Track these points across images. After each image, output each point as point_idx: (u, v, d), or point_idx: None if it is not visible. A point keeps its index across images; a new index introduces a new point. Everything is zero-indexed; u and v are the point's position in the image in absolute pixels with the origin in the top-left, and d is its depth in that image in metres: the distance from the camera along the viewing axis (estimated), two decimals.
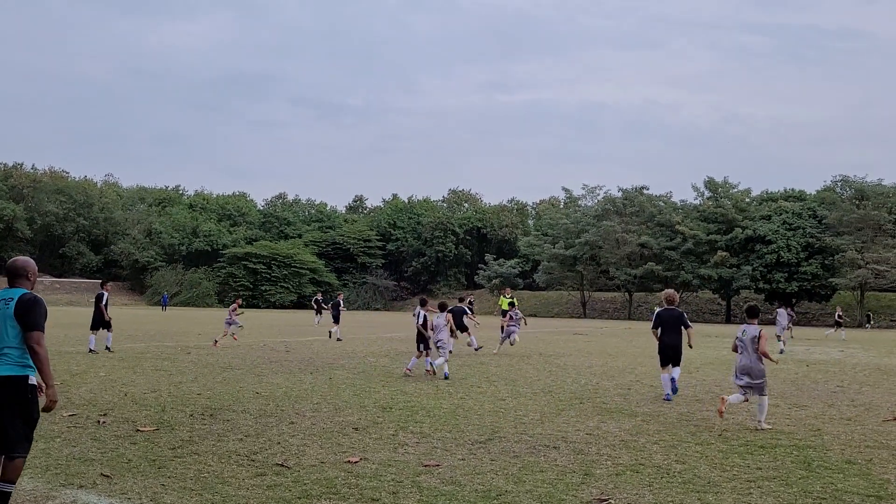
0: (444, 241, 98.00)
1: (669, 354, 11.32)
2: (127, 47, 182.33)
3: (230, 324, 21.93)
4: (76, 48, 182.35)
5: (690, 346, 11.76)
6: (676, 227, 72.98)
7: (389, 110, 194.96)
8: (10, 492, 4.88)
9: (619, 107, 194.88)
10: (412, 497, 5.54)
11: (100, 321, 17.53)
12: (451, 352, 14.48)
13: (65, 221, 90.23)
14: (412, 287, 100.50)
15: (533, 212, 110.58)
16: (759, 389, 8.87)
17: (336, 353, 18.80)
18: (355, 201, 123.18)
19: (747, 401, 9.14)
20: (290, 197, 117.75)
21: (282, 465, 6.41)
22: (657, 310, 11.84)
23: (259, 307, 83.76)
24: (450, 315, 14.36)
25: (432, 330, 14.19)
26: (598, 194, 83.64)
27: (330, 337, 25.11)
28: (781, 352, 23.20)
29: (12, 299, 4.98)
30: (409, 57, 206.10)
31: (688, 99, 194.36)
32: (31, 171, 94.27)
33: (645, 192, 79.37)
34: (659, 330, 11.42)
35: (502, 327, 21.32)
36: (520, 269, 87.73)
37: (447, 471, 6.37)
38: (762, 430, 8.64)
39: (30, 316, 4.92)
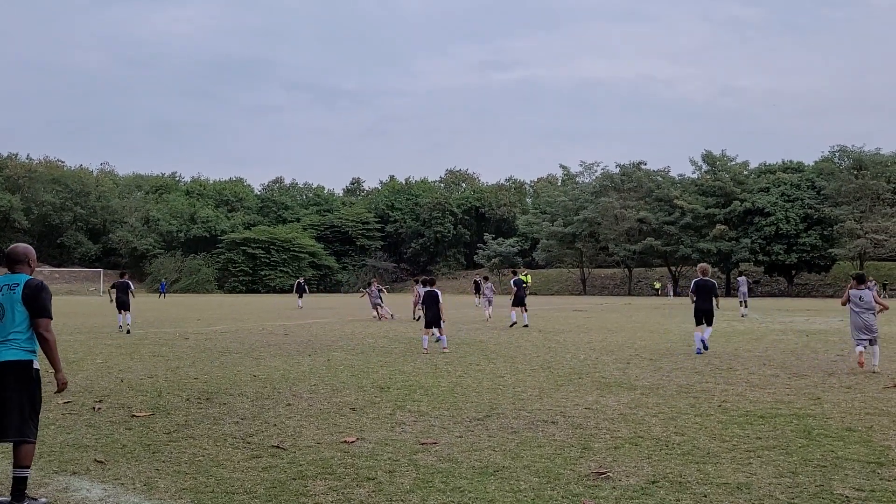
0: (443, 221, 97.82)
1: (703, 316, 14.16)
2: (118, 35, 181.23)
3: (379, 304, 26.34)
4: (66, 37, 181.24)
5: (717, 307, 14.68)
6: (675, 201, 72.80)
7: (384, 93, 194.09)
8: (27, 476, 4.90)
9: (614, 82, 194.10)
10: (409, 475, 5.49)
11: (126, 304, 20.29)
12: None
13: (62, 211, 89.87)
14: (412, 268, 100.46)
15: (531, 190, 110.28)
16: (875, 341, 11.33)
17: (334, 335, 18.77)
18: (353, 184, 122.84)
19: (864, 350, 11.33)
20: (288, 181, 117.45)
21: (278, 447, 6.36)
22: (696, 280, 14.70)
23: (259, 292, 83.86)
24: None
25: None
26: (596, 171, 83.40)
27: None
28: (744, 315, 27.01)
29: (18, 284, 5.00)
30: (403, 38, 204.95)
31: (682, 73, 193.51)
32: (27, 160, 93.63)
33: (643, 167, 79.11)
34: (695, 296, 14.34)
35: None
36: (519, 247, 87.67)
37: (444, 448, 6.32)
38: (876, 372, 10.92)
39: (38, 302, 4.96)
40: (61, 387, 5.19)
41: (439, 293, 15.07)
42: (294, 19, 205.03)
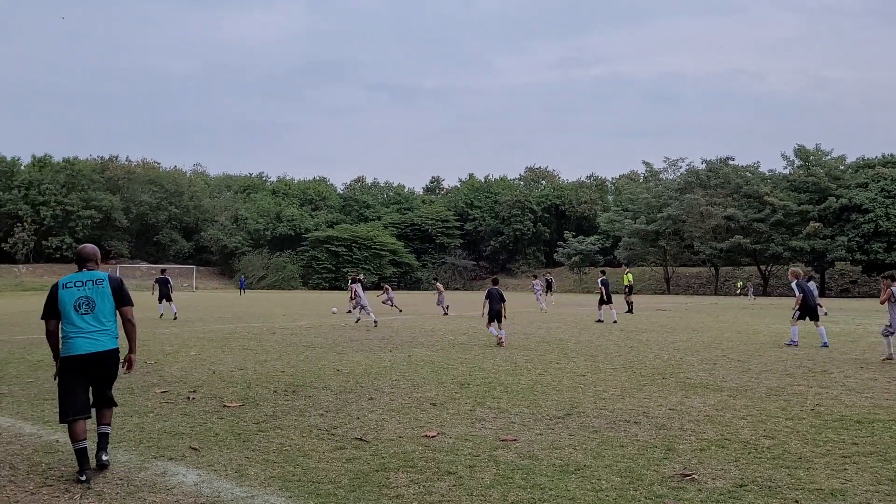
0: (522, 219, 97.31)
1: (811, 313, 15.55)
2: (206, 41, 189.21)
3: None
4: (159, 45, 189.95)
5: (820, 306, 16.98)
6: (765, 197, 69.96)
7: (463, 91, 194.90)
8: (110, 433, 5.78)
9: (699, 77, 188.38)
10: (489, 471, 5.52)
11: (166, 296, 24.32)
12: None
13: (158, 210, 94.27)
14: (491, 266, 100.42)
15: (612, 187, 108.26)
16: None
17: (415, 332, 18.99)
18: (432, 182, 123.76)
19: None
20: (369, 180, 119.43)
21: (361, 440, 6.51)
22: (798, 281, 15.86)
23: (342, 289, 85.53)
24: (359, 286, 22.51)
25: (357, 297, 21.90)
26: (681, 167, 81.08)
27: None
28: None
29: (103, 280, 5.67)
30: (482, 36, 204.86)
31: (773, 65, 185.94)
32: (126, 162, 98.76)
33: (730, 162, 76.40)
34: (801, 295, 15.50)
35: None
36: (600, 245, 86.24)
37: (524, 445, 6.32)
38: None
39: (124, 293, 5.79)
40: (132, 366, 5.92)
41: (490, 291, 16.18)
42: (373, 21, 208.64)
